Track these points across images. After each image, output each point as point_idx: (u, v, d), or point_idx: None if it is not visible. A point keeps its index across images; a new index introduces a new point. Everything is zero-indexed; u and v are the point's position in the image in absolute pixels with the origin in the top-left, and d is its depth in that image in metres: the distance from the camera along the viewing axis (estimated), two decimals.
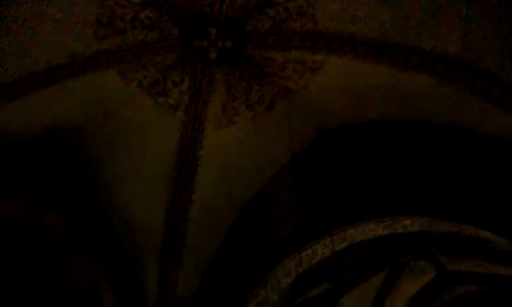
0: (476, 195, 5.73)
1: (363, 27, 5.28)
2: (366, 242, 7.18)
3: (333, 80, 6.18)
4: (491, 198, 5.60)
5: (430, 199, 6.05)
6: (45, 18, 5.08)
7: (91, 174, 7.32)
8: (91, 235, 7.57)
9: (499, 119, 5.42)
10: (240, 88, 6.49)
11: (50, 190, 7.03)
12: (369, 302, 10.94)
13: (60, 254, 8.13)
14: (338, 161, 6.99)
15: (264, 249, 7.40)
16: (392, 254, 9.97)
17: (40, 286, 8.38)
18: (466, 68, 5.18)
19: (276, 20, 5.52)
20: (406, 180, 6.32)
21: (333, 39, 5.48)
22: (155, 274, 7.66)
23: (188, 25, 5.65)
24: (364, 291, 10.79)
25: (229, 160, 7.26)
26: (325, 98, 6.56)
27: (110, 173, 7.23)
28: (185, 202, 7.33)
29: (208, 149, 7.02)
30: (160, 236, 7.51)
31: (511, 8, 4.59)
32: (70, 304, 8.40)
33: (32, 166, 6.81)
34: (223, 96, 6.56)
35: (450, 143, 6.11)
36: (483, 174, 5.75)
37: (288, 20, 5.50)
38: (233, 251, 7.76)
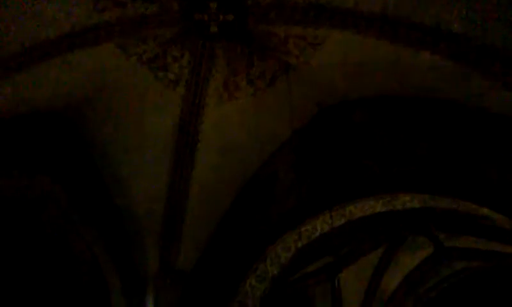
0: (475, 171, 5.74)
1: (365, 0, 5.21)
2: (365, 218, 7.23)
3: (334, 55, 6.13)
4: (491, 175, 5.62)
5: (430, 176, 6.07)
6: None
7: (93, 149, 7.32)
8: (93, 211, 7.62)
9: (501, 96, 5.40)
10: (242, 63, 6.44)
11: (53, 166, 7.05)
12: (367, 277, 11.08)
13: (62, 229, 8.21)
14: (339, 137, 6.99)
15: (264, 225, 7.46)
16: (390, 230, 10.06)
17: (44, 262, 8.49)
18: (469, 44, 5.13)
19: None
20: (406, 156, 6.33)
21: (335, 13, 5.41)
22: (155, 249, 7.73)
23: None
24: (362, 266, 10.92)
25: (230, 136, 7.25)
26: (326, 73, 6.53)
27: (111, 148, 7.23)
28: (185, 178, 7.35)
29: (209, 124, 7.01)
30: (160, 211, 7.56)
31: None
32: (73, 280, 8.53)
33: (34, 142, 6.81)
34: (223, 71, 6.52)
35: (450, 120, 6.10)
36: (483, 151, 5.76)
37: None
38: (233, 226, 7.82)
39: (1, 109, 5.92)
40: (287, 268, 7.75)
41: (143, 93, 6.71)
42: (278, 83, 6.74)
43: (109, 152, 7.27)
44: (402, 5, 5.15)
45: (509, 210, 5.56)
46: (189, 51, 6.24)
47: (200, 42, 6.12)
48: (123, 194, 7.56)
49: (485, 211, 5.93)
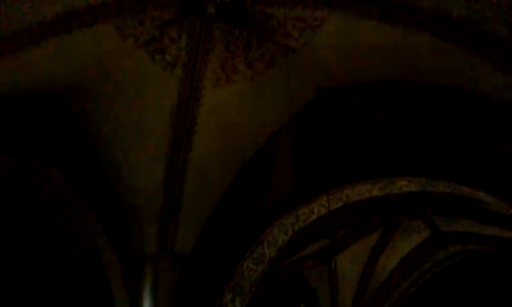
0: (473, 155, 5.76)
1: None
2: (362, 202, 7.25)
3: (333, 38, 6.08)
4: (488, 159, 5.64)
5: (427, 159, 6.09)
6: None
7: (90, 132, 7.30)
8: (91, 194, 7.63)
9: (499, 80, 5.39)
10: (240, 46, 6.39)
11: (50, 148, 7.04)
12: (363, 260, 11.17)
13: (60, 212, 8.23)
14: (337, 121, 6.98)
15: (261, 207, 7.48)
16: (387, 213, 10.12)
17: (43, 245, 8.53)
18: (469, 30, 5.10)
19: None
20: (404, 141, 6.34)
21: None
22: (153, 231, 7.75)
23: None
24: (359, 249, 11.00)
25: (227, 118, 7.23)
26: (325, 57, 6.49)
27: (109, 131, 7.21)
28: (183, 160, 7.34)
29: (207, 107, 6.98)
30: (158, 193, 7.56)
31: None
32: (70, 263, 8.57)
33: (32, 125, 6.79)
34: (221, 53, 6.46)
35: (447, 104, 6.10)
36: (480, 135, 5.77)
37: None
38: (230, 209, 7.84)
39: None
40: (284, 251, 7.80)
41: (140, 76, 6.67)
42: (276, 66, 6.69)
43: (107, 135, 7.25)
44: None
45: (506, 194, 5.59)
46: (186, 32, 6.18)
47: (197, 24, 6.06)
48: (121, 177, 7.57)
49: (481, 195, 5.95)
